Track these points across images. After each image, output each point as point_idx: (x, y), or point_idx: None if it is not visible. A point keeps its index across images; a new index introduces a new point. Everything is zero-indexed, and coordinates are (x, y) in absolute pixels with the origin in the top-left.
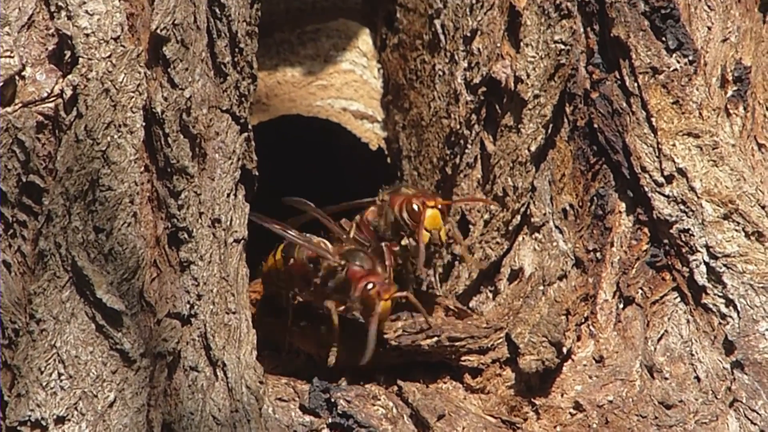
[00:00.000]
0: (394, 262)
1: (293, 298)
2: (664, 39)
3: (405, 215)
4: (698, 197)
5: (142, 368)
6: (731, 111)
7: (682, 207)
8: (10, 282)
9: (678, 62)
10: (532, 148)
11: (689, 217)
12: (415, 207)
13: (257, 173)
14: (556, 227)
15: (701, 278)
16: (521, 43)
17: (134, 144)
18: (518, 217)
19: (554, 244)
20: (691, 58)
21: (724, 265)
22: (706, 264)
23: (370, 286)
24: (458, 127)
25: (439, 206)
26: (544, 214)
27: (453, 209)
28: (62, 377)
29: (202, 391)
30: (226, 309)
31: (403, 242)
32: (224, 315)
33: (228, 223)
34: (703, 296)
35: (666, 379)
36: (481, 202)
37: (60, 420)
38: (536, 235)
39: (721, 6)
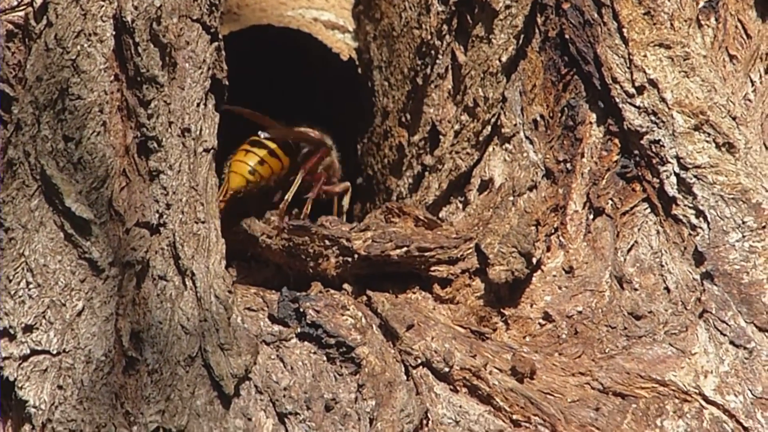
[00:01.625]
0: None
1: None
2: None
3: None
4: (669, 108)
5: (110, 277)
6: (703, 22)
7: (653, 118)
8: None
9: None
10: (503, 59)
11: (660, 128)
12: None
13: (227, 83)
14: (527, 138)
15: (671, 189)
16: None
17: (104, 53)
18: (489, 128)
19: (524, 154)
20: None
21: (695, 176)
22: (677, 175)
23: None
24: (429, 37)
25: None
26: (515, 125)
27: (423, 120)
28: (30, 286)
29: (171, 300)
30: (195, 218)
31: None
32: (193, 224)
33: (198, 132)
34: (673, 207)
35: (635, 290)
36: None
37: (28, 328)
38: (506, 145)
39: None
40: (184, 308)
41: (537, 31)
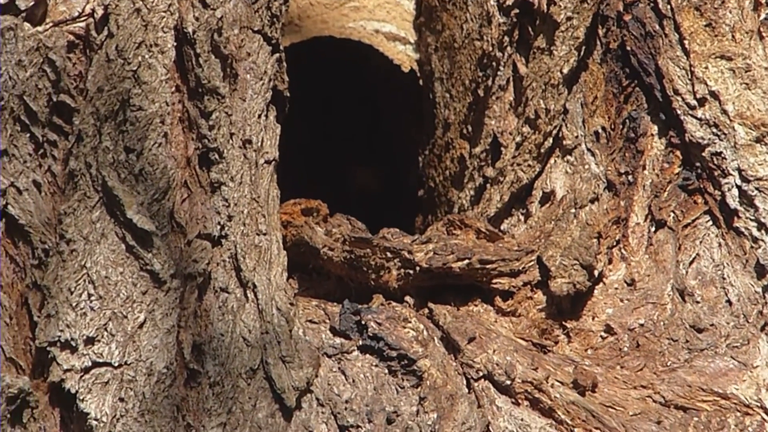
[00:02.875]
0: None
1: None
2: None
3: None
4: (730, 120)
5: (172, 289)
6: (764, 33)
7: (715, 130)
8: (40, 202)
9: None
10: (565, 71)
11: (721, 140)
12: None
13: (289, 94)
14: (588, 150)
15: (733, 201)
16: None
17: (165, 64)
18: (550, 140)
19: (586, 166)
20: None
21: (756, 189)
22: (738, 187)
23: None
24: (491, 49)
25: None
26: (576, 137)
27: (485, 132)
28: (92, 298)
29: (233, 313)
30: (256, 230)
31: None
32: (255, 236)
33: (259, 143)
34: (735, 220)
35: (697, 302)
36: None
37: (90, 340)
38: (568, 157)
39: None
40: (246, 320)
41: (598, 42)
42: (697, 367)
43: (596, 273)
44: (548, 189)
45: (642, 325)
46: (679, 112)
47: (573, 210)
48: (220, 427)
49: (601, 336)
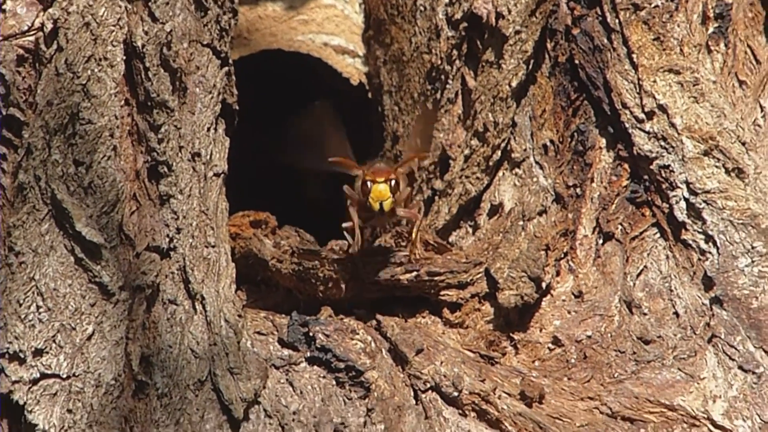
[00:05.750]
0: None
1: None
2: None
3: (359, 190)
4: (678, 133)
5: (120, 301)
6: (712, 48)
7: (663, 143)
8: None
9: None
10: (513, 84)
11: (669, 153)
12: (368, 183)
13: (237, 107)
14: (537, 163)
15: (681, 214)
16: None
17: (114, 78)
18: (499, 153)
19: (534, 179)
20: None
21: (704, 201)
22: (686, 200)
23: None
24: (439, 62)
25: (388, 179)
26: (525, 150)
27: (433, 145)
28: (41, 310)
29: (181, 324)
30: (205, 242)
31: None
32: (203, 248)
33: (208, 156)
34: (682, 232)
35: (645, 314)
36: (417, 158)
37: (38, 352)
38: (516, 170)
39: None
40: (194, 332)
41: (547, 56)
42: (645, 378)
43: (544, 285)
44: (496, 201)
45: (589, 336)
46: (627, 125)
47: (521, 222)
48: None
49: (548, 348)
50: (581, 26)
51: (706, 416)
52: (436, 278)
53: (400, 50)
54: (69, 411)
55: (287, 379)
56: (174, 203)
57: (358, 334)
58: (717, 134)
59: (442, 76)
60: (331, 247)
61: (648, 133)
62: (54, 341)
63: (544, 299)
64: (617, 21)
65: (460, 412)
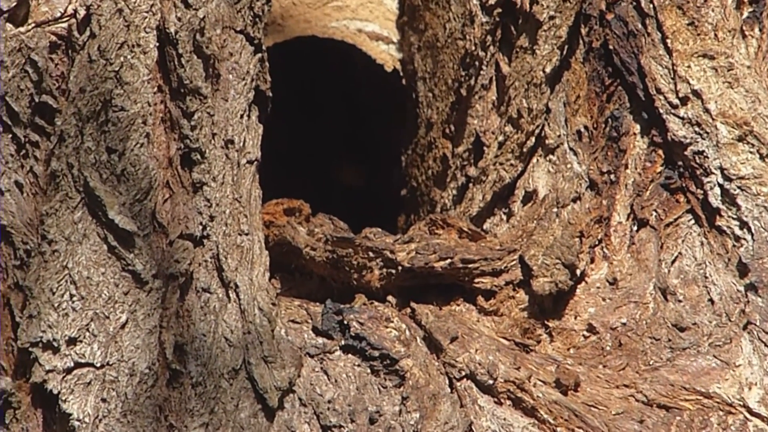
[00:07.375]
0: None
1: None
2: None
3: None
4: (713, 119)
5: (154, 289)
6: (747, 32)
7: (697, 129)
8: (21, 203)
9: None
10: (547, 70)
11: (704, 138)
12: None
13: (271, 94)
14: (571, 149)
15: (715, 200)
16: None
17: (147, 64)
18: (533, 139)
19: (568, 166)
20: None
21: (739, 187)
22: (721, 186)
23: None
24: (473, 48)
25: None
26: (559, 136)
27: (467, 131)
28: (74, 298)
29: (215, 313)
30: (238, 230)
31: None
32: (237, 236)
33: (241, 144)
34: (717, 218)
35: (680, 301)
36: None
37: (72, 341)
38: (550, 156)
39: None
40: (228, 321)
41: (581, 41)
42: (680, 366)
43: (578, 272)
44: (530, 188)
45: (624, 324)
46: (661, 110)
47: (555, 209)
48: (203, 428)
49: (583, 335)
50: (615, 11)
51: (741, 403)
52: (470, 266)
53: (435, 36)
54: (103, 400)
55: (322, 368)
56: (207, 191)
57: (392, 322)
58: (751, 119)
59: (476, 62)
60: (365, 235)
61: (682, 118)
62: (87, 330)
63: (578, 286)
64: (651, 6)
65: (496, 400)
